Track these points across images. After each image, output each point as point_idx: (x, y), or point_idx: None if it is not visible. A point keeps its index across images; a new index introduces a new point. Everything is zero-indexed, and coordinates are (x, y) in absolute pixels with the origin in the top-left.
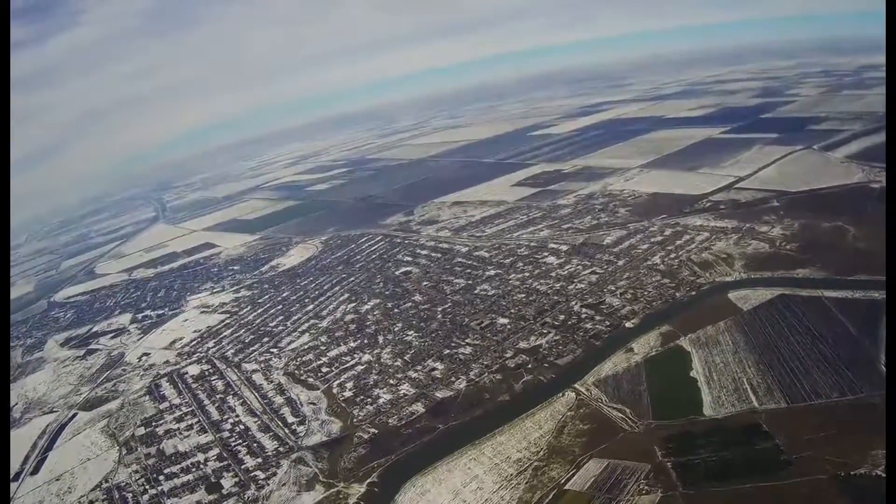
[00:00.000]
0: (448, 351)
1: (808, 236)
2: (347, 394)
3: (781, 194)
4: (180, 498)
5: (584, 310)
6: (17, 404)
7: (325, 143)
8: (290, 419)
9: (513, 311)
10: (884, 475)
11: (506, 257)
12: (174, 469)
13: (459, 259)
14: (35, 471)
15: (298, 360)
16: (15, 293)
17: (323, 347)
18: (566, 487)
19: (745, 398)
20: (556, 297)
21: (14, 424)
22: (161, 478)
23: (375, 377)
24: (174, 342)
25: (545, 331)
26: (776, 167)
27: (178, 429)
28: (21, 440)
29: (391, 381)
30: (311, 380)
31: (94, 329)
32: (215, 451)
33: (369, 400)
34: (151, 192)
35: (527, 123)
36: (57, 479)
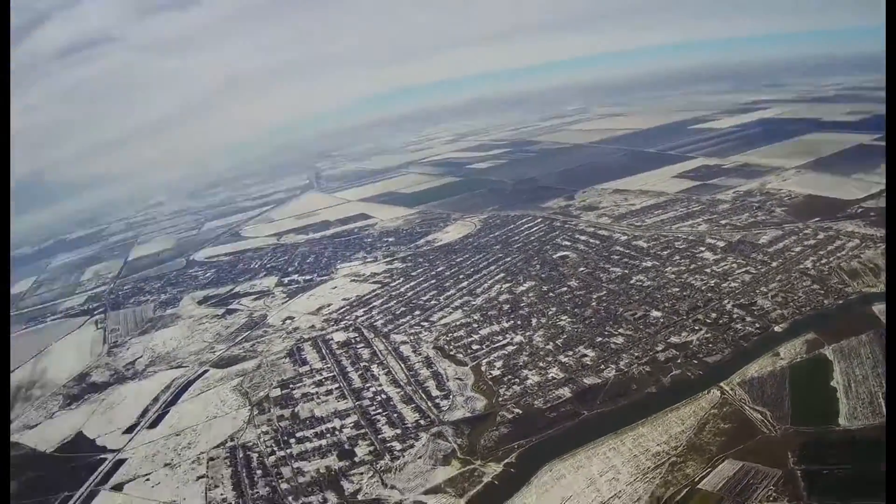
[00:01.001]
0: (600, 339)
1: None
2: (495, 372)
3: None
4: (309, 462)
5: (735, 310)
6: (141, 357)
7: (486, 122)
8: (435, 393)
9: (666, 304)
10: None
11: (663, 249)
12: (307, 433)
13: (617, 247)
14: (153, 425)
15: (449, 335)
16: (153, 249)
17: (475, 325)
18: (699, 486)
19: (880, 412)
20: (709, 294)
21: (136, 377)
22: (292, 441)
23: (525, 358)
24: (321, 308)
25: (697, 327)
26: None
27: (317, 393)
28: (141, 393)
29: (540, 364)
30: (460, 356)
31: (236, 290)
32: (353, 418)
33: (517, 380)
34: (305, 161)
35: (688, 116)
36: (177, 435)
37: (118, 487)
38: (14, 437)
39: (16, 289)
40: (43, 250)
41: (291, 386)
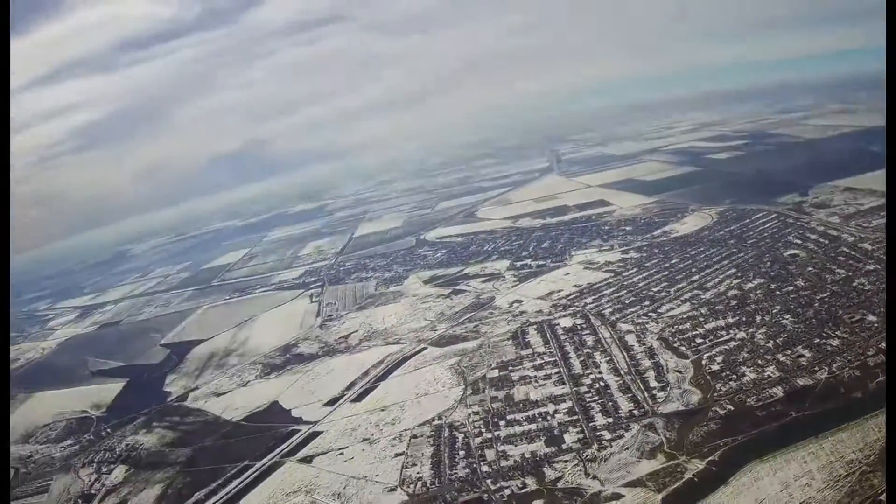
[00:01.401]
0: (818, 340)
1: None
2: (715, 367)
3: None
4: (515, 446)
5: None
6: (356, 332)
7: (724, 114)
8: (653, 384)
9: (883, 309)
10: None
11: (884, 252)
12: (518, 416)
13: (844, 248)
14: (358, 398)
15: (675, 327)
16: (381, 226)
17: (701, 319)
18: (880, 498)
19: None
20: None
21: (348, 350)
22: (501, 423)
23: (745, 355)
24: (551, 293)
25: None
26: None
27: (535, 377)
28: (351, 366)
29: (759, 362)
30: (682, 348)
31: (466, 271)
32: (567, 404)
33: (734, 376)
34: (545, 144)
35: None
36: (382, 410)
37: (307, 460)
38: (197, 404)
39: (222, 260)
40: (259, 223)
41: (510, 368)
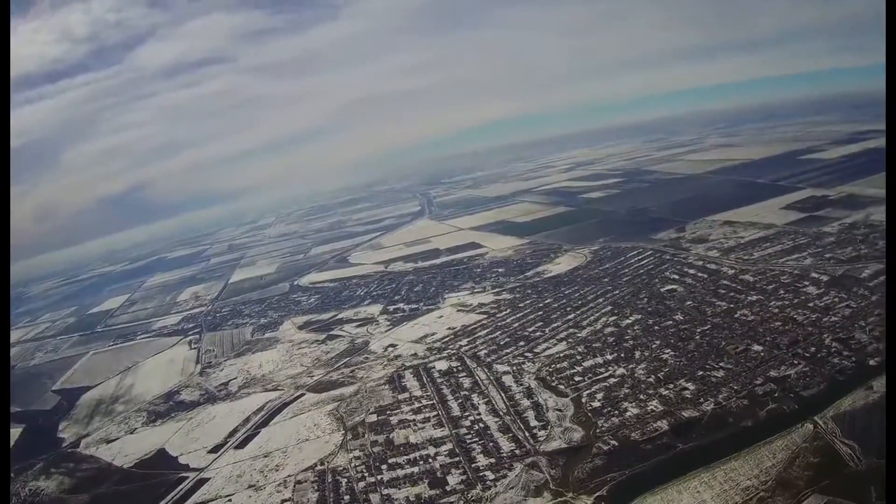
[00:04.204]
0: (701, 373)
1: None
2: (595, 404)
3: None
4: (399, 489)
5: (834, 344)
6: (235, 378)
7: (602, 151)
8: (533, 423)
9: (768, 339)
10: None
11: (768, 283)
12: (400, 460)
13: (724, 281)
14: (241, 445)
15: (552, 366)
16: (256, 272)
17: (578, 357)
18: None
19: None
20: (809, 329)
21: (228, 397)
22: (383, 467)
23: (626, 391)
24: (425, 336)
25: (795, 361)
26: None
27: (414, 420)
28: (232, 413)
29: (641, 397)
30: (561, 387)
31: (339, 316)
32: (448, 446)
33: (616, 412)
34: (418, 187)
35: (797, 147)
36: (265, 456)
37: None
38: (90, 451)
39: (105, 306)
40: (139, 269)
41: (389, 412)
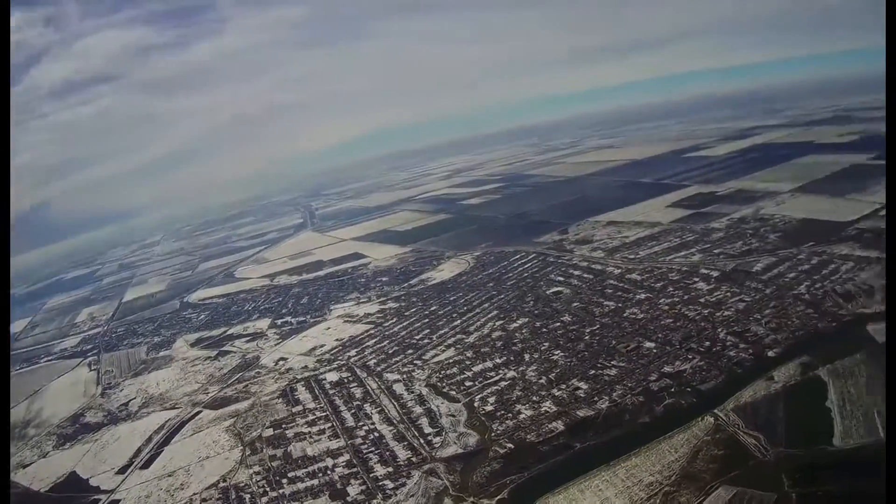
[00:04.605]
0: (593, 372)
1: None
2: (488, 408)
3: None
4: (301, 502)
5: (729, 337)
6: (134, 398)
7: (481, 157)
8: (427, 430)
9: (659, 335)
10: None
11: (657, 281)
12: (299, 473)
13: (611, 281)
14: (146, 465)
15: (442, 372)
16: (147, 290)
17: (468, 362)
18: None
19: (874, 431)
20: (702, 324)
21: (129, 418)
22: (284, 481)
23: (518, 393)
24: (314, 349)
25: (690, 356)
26: None
27: (310, 433)
28: (135, 434)
29: (534, 398)
30: (452, 392)
31: (230, 332)
32: (345, 457)
33: (510, 415)
34: (301, 199)
35: (683, 145)
36: (169, 476)
37: None
38: (11, 476)
39: (12, 328)
40: (39, 290)
41: (284, 426)
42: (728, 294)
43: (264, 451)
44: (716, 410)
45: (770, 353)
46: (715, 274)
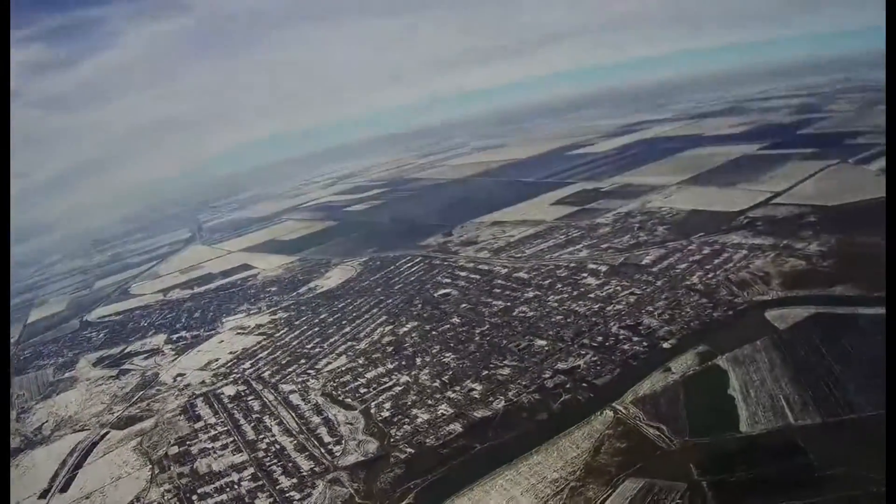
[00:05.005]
0: (486, 372)
1: (845, 252)
2: (385, 414)
3: (818, 209)
4: None
5: (621, 331)
6: (46, 422)
7: (365, 162)
8: (327, 439)
9: (551, 332)
10: None
11: (545, 279)
12: (208, 489)
13: (499, 280)
14: (64, 488)
15: (336, 381)
16: (47, 311)
17: (361, 369)
18: None
19: (781, 414)
20: (594, 319)
21: (44, 442)
22: (194, 497)
23: (413, 398)
24: (210, 363)
25: (583, 352)
26: (812, 182)
27: (213, 448)
28: (50, 457)
29: (429, 402)
30: (348, 400)
31: (128, 349)
32: (250, 470)
33: (407, 420)
34: (188, 212)
35: (566, 143)
36: (87, 498)
37: None
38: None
39: None
40: None
41: (188, 443)
42: (618, 288)
43: (172, 468)
44: (614, 404)
45: (665, 345)
46: (603, 269)
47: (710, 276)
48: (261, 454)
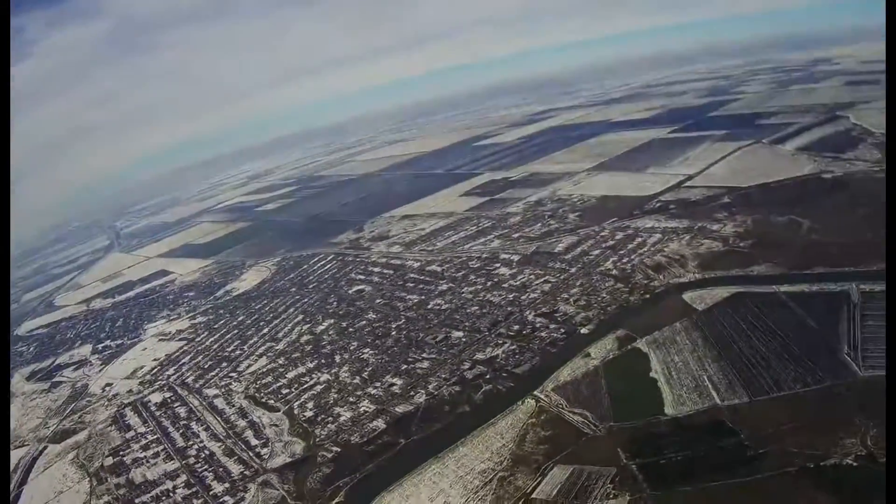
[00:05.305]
0: (405, 366)
1: (761, 232)
2: (308, 413)
3: (732, 190)
4: None
5: (538, 319)
6: None
7: (275, 161)
8: (254, 442)
9: (467, 324)
10: (856, 464)
11: (458, 270)
12: (145, 498)
13: (412, 274)
14: None
15: (258, 382)
16: None
17: (281, 369)
18: (533, 496)
19: (707, 395)
20: (509, 308)
21: None
22: None
23: (335, 396)
24: (135, 371)
25: (501, 341)
26: (725, 163)
27: (146, 457)
28: None
29: (351, 399)
30: (271, 402)
31: (57, 361)
32: (183, 477)
33: (330, 419)
34: (106, 220)
35: (473, 134)
36: None
37: None
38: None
39: None
40: None
41: (122, 453)
42: (532, 277)
43: (109, 480)
44: (536, 392)
45: (583, 331)
46: (516, 258)
47: (624, 260)
48: (192, 461)
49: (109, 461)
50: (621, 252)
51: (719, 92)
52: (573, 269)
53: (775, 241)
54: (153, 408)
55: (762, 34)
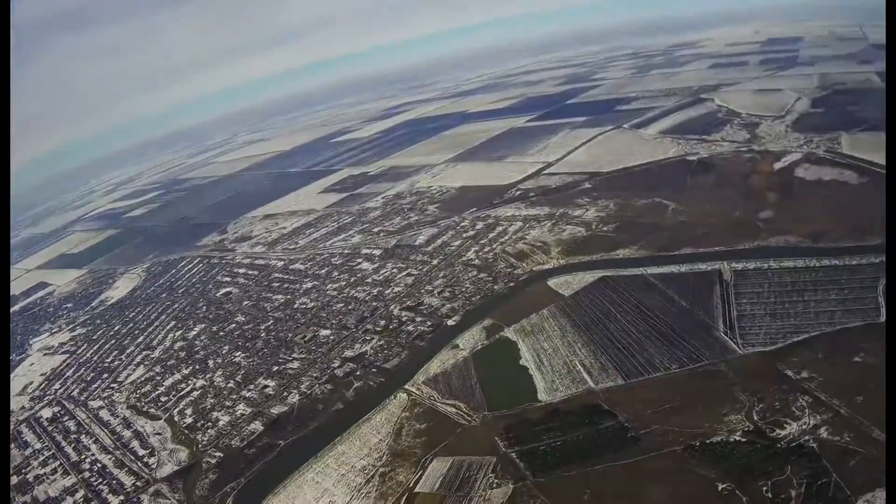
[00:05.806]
0: (277, 367)
1: (625, 215)
2: (188, 420)
3: (593, 176)
4: None
5: (403, 313)
6: None
7: (139, 167)
8: (141, 452)
9: (334, 321)
10: (743, 440)
11: (321, 268)
12: None
13: (276, 274)
14: None
15: (138, 392)
16: None
17: (158, 378)
18: (416, 490)
19: (580, 379)
20: (374, 304)
21: None
22: None
23: (212, 401)
24: (25, 387)
25: (368, 337)
26: (585, 150)
27: (45, 473)
28: None
29: (227, 403)
30: (152, 410)
31: None
32: (81, 492)
33: (209, 424)
34: None
35: (330, 130)
36: None
37: None
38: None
39: None
40: None
41: (23, 471)
42: (395, 270)
43: (17, 499)
44: (407, 386)
45: (450, 322)
46: (377, 252)
47: (486, 250)
48: (87, 474)
49: (14, 480)
50: (483, 242)
51: (577, 79)
52: (435, 261)
53: (640, 224)
54: (45, 423)
55: (628, 20)
